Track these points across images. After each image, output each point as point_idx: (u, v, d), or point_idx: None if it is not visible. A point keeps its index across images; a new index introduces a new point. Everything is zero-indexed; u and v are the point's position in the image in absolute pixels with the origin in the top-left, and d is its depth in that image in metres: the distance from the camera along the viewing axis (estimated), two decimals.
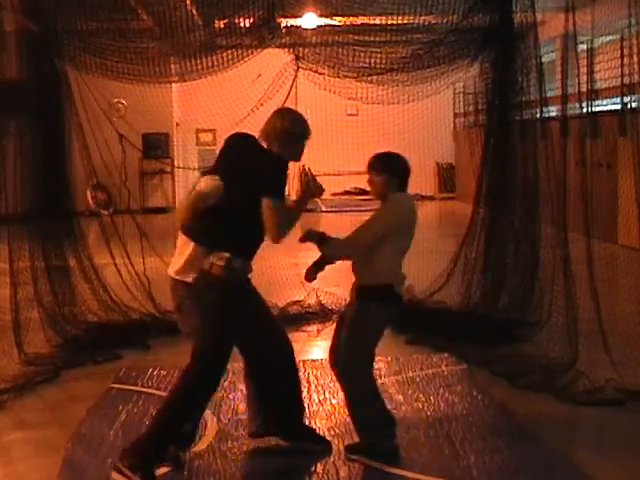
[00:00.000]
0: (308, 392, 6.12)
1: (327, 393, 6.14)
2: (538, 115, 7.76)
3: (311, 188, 4.94)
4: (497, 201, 8.20)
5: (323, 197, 5.27)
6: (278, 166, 4.68)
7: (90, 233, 9.86)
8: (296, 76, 8.50)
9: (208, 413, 5.42)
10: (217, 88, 9.53)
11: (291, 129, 4.79)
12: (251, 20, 8.10)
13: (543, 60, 7.82)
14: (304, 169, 10.94)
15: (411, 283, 7.44)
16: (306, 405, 5.58)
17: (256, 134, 4.84)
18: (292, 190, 6.99)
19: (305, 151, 4.92)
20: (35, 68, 7.71)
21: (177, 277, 4.76)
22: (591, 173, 8.23)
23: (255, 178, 4.58)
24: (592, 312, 6.47)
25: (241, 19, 8.15)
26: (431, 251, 9.21)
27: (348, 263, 5.06)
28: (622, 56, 12.00)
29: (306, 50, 8.32)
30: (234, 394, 6.06)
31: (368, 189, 5.07)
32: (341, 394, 5.23)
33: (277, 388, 5.01)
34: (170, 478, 4.68)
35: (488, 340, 7.28)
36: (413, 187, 5.10)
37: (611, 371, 6.11)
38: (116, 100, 12.89)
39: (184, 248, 4.76)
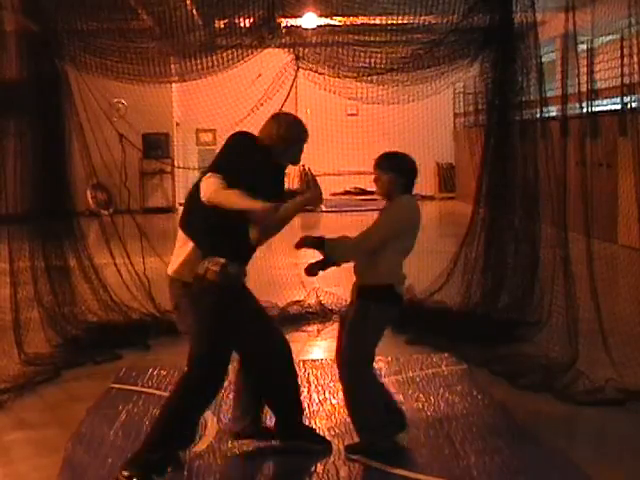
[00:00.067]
0: (308, 392, 6.12)
1: (327, 393, 6.14)
2: (538, 115, 7.76)
3: (310, 198, 4.90)
4: (497, 201, 8.19)
5: (323, 197, 5.25)
6: (274, 171, 4.69)
7: (90, 233, 9.85)
8: (296, 76, 8.49)
9: (208, 413, 5.41)
10: (217, 88, 9.52)
11: (287, 134, 4.78)
12: (251, 20, 8.10)
13: (543, 60, 7.82)
14: (304, 169, 10.91)
15: (411, 283, 7.44)
16: (306, 405, 5.59)
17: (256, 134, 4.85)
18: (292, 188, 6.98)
19: (305, 151, 4.92)
20: (35, 68, 7.71)
21: (174, 276, 4.77)
22: (591, 173, 8.22)
23: (252, 179, 4.57)
24: (592, 312, 6.47)
25: (241, 19, 8.15)
26: (431, 251, 9.19)
27: (348, 263, 5.06)
28: (622, 56, 12.00)
29: (306, 50, 8.31)
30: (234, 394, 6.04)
31: (368, 189, 5.08)
32: (341, 394, 5.23)
33: (276, 389, 5.01)
34: (170, 478, 4.67)
35: (488, 340, 7.28)
36: None
37: (611, 371, 6.11)
38: (116, 100, 12.86)
39: (183, 247, 4.76)
